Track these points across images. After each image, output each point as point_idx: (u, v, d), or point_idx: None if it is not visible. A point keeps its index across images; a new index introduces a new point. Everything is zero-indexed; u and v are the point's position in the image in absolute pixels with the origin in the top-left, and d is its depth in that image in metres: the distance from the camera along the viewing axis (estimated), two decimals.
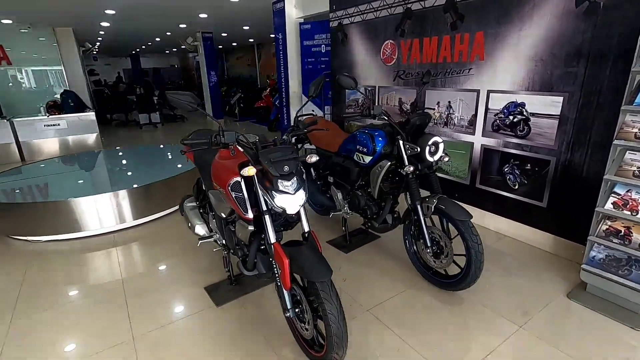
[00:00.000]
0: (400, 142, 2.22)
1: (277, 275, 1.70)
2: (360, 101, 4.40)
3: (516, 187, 2.90)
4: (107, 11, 5.94)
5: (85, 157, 5.48)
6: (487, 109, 2.99)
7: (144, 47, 13.81)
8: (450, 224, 2.19)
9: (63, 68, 7.67)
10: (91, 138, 6.92)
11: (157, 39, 11.03)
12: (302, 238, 1.79)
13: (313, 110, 5.62)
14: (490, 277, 2.45)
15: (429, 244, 2.22)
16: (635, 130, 1.93)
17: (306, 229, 1.78)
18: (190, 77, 20.87)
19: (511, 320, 2.05)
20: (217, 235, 2.32)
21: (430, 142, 2.15)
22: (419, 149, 2.14)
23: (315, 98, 1.92)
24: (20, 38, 7.26)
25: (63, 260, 2.93)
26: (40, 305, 2.33)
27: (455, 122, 3.28)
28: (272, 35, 5.62)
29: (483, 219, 3.21)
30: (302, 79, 5.41)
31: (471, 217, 2.06)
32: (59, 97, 6.69)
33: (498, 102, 2.89)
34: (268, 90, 9.73)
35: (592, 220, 2.33)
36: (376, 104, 2.18)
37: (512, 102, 2.79)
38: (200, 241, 2.34)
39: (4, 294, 2.47)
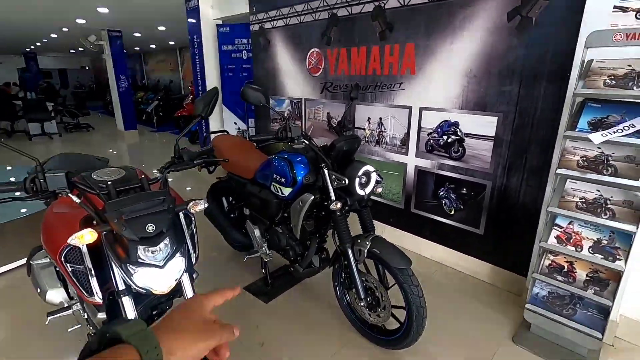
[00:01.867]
0: (325, 171, 1.79)
1: None
2: (286, 114, 3.95)
3: (452, 212, 2.68)
4: None
5: None
6: (420, 128, 2.73)
7: (38, 44, 11.79)
8: (386, 270, 1.81)
9: None
10: None
11: (53, 35, 9.40)
12: None
13: (236, 123, 5.03)
14: (432, 319, 2.12)
15: (362, 296, 1.81)
16: (577, 158, 1.75)
17: None
18: (104, 80, 18.61)
19: None
20: (78, 306, 1.64)
21: (360, 172, 1.76)
22: (347, 181, 1.73)
23: (204, 118, 1.40)
24: None
25: None
26: None
27: (387, 140, 2.98)
28: None
29: (419, 247, 2.94)
30: (221, 87, 4.79)
31: (411, 263, 1.69)
32: None
33: (431, 121, 2.65)
34: (190, 98, 8.82)
35: (532, 252, 2.14)
36: (293, 124, 1.73)
37: (446, 120, 2.56)
38: (49, 316, 1.63)
39: None
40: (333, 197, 1.78)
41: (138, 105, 10.93)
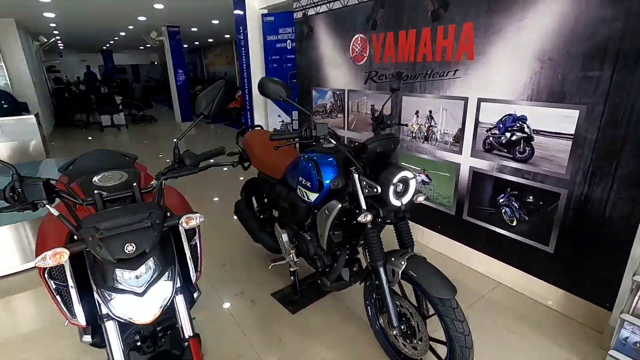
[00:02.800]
0: (356, 176, 1.53)
1: None
2: (328, 106, 3.72)
3: (514, 223, 2.25)
4: None
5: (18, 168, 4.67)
6: (477, 122, 2.33)
7: (112, 42, 12.83)
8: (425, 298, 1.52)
9: (3, 64, 6.77)
10: (31, 144, 6.05)
11: (122, 33, 10.13)
12: (180, 350, 1.10)
13: (280, 116, 4.91)
14: (484, 347, 1.79)
15: (395, 322, 1.54)
16: None
17: (187, 333, 1.09)
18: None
19: None
20: None
21: (396, 179, 1.47)
22: (379, 189, 1.46)
23: (208, 117, 1.22)
24: None
25: None
26: None
27: (438, 137, 2.61)
28: None
29: (471, 259, 2.56)
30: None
31: (455, 293, 1.38)
32: None
33: (491, 115, 2.23)
34: (224, 96, 8.94)
35: (620, 282, 1.69)
36: (319, 122, 1.49)
37: (510, 114, 2.14)
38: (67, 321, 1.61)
39: None
40: (364, 206, 1.52)
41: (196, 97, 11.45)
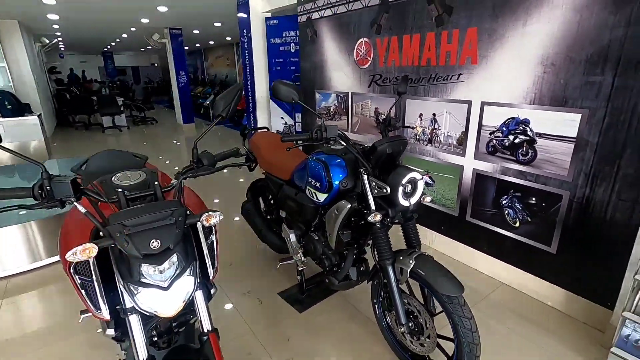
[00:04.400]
0: (365, 177, 1.57)
1: None
2: (332, 109, 3.76)
3: (517, 224, 2.30)
4: (45, 1, 5.15)
5: (18, 169, 4.70)
6: (480, 125, 2.38)
7: (113, 43, 12.87)
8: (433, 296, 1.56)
9: (6, 65, 6.80)
10: (34, 145, 6.08)
11: (124, 35, 10.17)
12: (199, 342, 1.13)
13: (283, 118, 4.95)
14: (486, 347, 1.82)
15: (403, 320, 1.57)
16: None
17: (205, 327, 1.13)
18: (170, 76, 19.95)
19: None
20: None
21: (405, 180, 1.51)
22: (388, 189, 1.50)
23: (224, 118, 1.26)
24: None
25: None
26: None
27: (442, 139, 2.66)
28: None
29: (474, 260, 2.60)
30: (269, 81, 4.74)
31: (462, 291, 1.42)
32: None
33: (495, 118, 2.28)
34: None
35: (622, 281, 1.73)
36: (329, 125, 1.53)
37: (513, 118, 2.18)
38: (82, 316, 1.64)
39: None
40: (373, 206, 1.56)
41: (197, 99, 11.49)
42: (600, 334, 1.92)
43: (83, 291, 1.05)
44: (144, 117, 10.52)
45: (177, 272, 0.98)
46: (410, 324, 1.61)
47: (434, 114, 2.67)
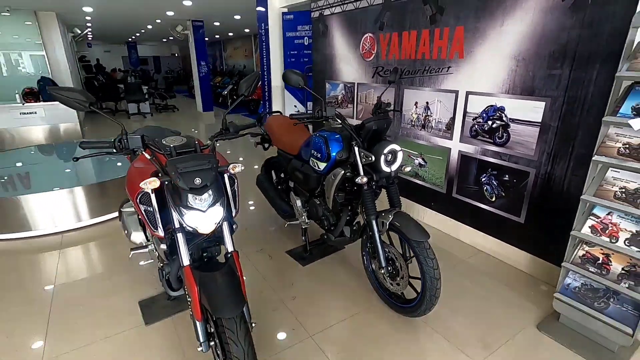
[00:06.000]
0: (355, 148, 1.96)
1: (188, 303, 1.47)
2: (340, 97, 4.13)
3: (493, 199, 2.65)
4: None
5: (57, 148, 5.28)
6: (465, 112, 2.72)
7: (138, 34, 13.49)
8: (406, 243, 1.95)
9: (45, 54, 7.41)
10: (70, 128, 6.69)
11: (149, 27, 10.72)
12: (224, 258, 1.56)
13: (295, 106, 5.35)
14: (457, 297, 2.21)
15: (383, 264, 1.97)
16: (619, 145, 1.66)
17: (229, 248, 1.55)
18: (190, 66, 20.57)
19: (470, 355, 1.81)
20: (152, 247, 2.08)
21: (386, 150, 1.90)
22: (373, 158, 1.89)
23: (247, 97, 1.66)
24: None
25: None
26: None
27: (433, 125, 3.01)
28: None
29: (458, 232, 2.96)
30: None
31: (428, 237, 1.81)
32: (36, 84, 6.43)
33: (477, 105, 2.62)
34: (259, 83, 9.44)
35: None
36: (328, 106, 1.92)
37: (492, 105, 2.52)
38: (132, 251, 2.10)
39: None
40: (361, 172, 1.95)
41: (216, 89, 11.98)
42: (553, 288, 2.27)
43: (146, 216, 1.48)
44: (165, 104, 11.10)
45: (212, 201, 1.40)
46: (389, 268, 2.01)
47: (427, 102, 3.02)
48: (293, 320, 2.06)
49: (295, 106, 5.29)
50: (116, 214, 3.47)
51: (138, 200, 1.48)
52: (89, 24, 9.76)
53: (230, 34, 13.63)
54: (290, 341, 1.91)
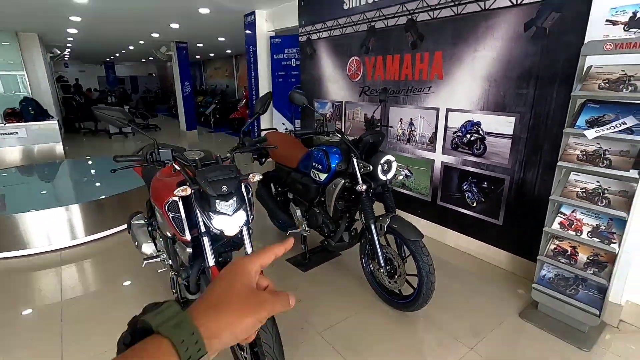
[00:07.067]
0: (354, 159, 2.19)
1: None
2: (328, 115, 4.40)
3: (474, 204, 2.93)
4: (73, 18, 5.75)
5: (42, 168, 5.23)
6: (446, 127, 3.03)
7: (117, 55, 13.49)
8: (403, 244, 2.16)
9: (26, 74, 7.35)
10: (53, 147, 6.62)
11: (131, 47, 10.80)
12: None
13: (284, 124, 5.58)
14: (447, 296, 2.43)
15: (382, 264, 2.18)
16: (578, 152, 1.97)
17: (249, 250, 1.71)
18: (168, 85, 20.56)
19: (463, 342, 2.02)
20: (164, 256, 2.20)
21: (382, 161, 2.13)
22: (371, 167, 2.12)
23: (261, 114, 1.87)
24: None
25: None
26: None
27: (417, 139, 3.30)
28: None
29: (444, 236, 3.22)
30: (272, 92, 5.39)
31: (422, 237, 2.03)
32: (18, 105, 6.38)
33: (456, 121, 2.93)
34: (244, 102, 9.65)
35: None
36: (329, 122, 2.15)
37: (469, 120, 2.83)
38: (145, 261, 2.21)
39: None
40: (360, 181, 2.17)
41: (198, 108, 12.08)
42: (531, 282, 2.54)
43: (174, 222, 1.63)
44: (147, 124, 11.07)
45: (236, 206, 1.57)
46: (387, 267, 2.21)
47: (411, 119, 3.32)
48: (300, 320, 2.21)
49: (283, 124, 5.52)
50: (113, 230, 3.53)
51: (166, 208, 1.63)
52: (69, 45, 9.73)
53: (212, 54, 13.87)
54: (302, 338, 2.06)
